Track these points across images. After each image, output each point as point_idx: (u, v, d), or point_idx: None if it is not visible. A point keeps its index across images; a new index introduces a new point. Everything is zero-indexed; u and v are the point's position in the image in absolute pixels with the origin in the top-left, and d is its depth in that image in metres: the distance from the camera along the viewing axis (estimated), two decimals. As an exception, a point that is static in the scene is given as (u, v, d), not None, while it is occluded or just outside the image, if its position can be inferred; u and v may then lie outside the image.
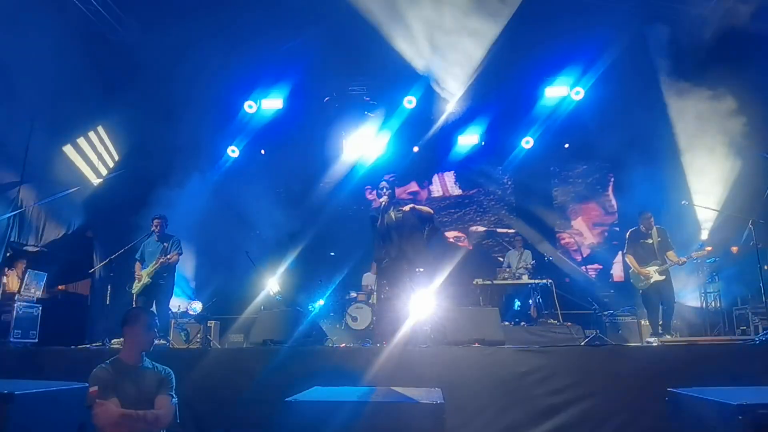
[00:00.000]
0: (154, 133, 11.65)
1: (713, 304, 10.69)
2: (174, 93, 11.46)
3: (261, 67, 12.22)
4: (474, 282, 10.32)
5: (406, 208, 7.67)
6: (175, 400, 4.14)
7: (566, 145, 13.33)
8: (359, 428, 3.29)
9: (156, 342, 4.42)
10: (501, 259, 12.06)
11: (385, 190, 7.63)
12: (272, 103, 13.06)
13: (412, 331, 7.13)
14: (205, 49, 11.09)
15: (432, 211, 7.82)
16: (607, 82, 11.80)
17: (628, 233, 9.06)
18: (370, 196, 13.57)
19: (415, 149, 13.65)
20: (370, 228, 7.84)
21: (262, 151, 14.13)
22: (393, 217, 7.51)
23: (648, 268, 8.61)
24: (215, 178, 13.49)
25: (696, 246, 9.45)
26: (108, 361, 4.10)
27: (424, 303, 7.44)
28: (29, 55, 9.86)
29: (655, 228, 8.82)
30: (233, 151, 13.57)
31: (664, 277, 8.55)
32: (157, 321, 4.34)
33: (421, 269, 7.83)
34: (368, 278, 10.71)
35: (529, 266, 10.75)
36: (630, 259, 8.86)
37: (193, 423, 5.58)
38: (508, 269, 11.03)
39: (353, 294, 10.36)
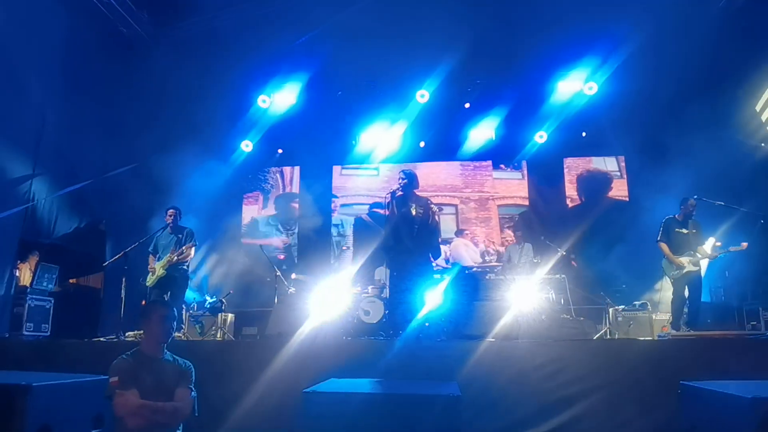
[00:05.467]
0: (166, 126, 11.69)
1: (723, 299, 10.66)
2: (187, 86, 11.50)
3: (275, 61, 12.22)
4: (487, 276, 10.31)
5: (434, 208, 7.69)
6: (194, 393, 4.19)
7: (583, 134, 13.30)
8: (377, 420, 3.32)
9: (174, 335, 4.47)
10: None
11: (401, 180, 7.64)
12: (286, 97, 13.10)
13: (425, 324, 7.16)
14: (218, 42, 11.13)
15: (440, 234, 7.86)
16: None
17: (663, 220, 9.00)
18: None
19: (422, 144, 13.71)
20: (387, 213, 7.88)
21: (279, 150, 14.22)
22: (413, 211, 7.52)
23: (682, 258, 8.59)
24: (229, 172, 13.62)
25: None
26: (129, 352, 4.15)
27: (437, 297, 7.46)
28: (41, 48, 9.92)
29: (691, 220, 8.80)
30: (246, 146, 13.63)
31: (697, 268, 8.53)
32: (175, 313, 4.38)
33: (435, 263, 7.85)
34: (381, 272, 10.71)
35: (534, 261, 10.70)
36: (663, 247, 8.78)
37: (208, 414, 5.63)
38: (508, 263, 11.02)
39: (366, 288, 10.37)
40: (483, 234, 13.70)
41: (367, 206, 14.21)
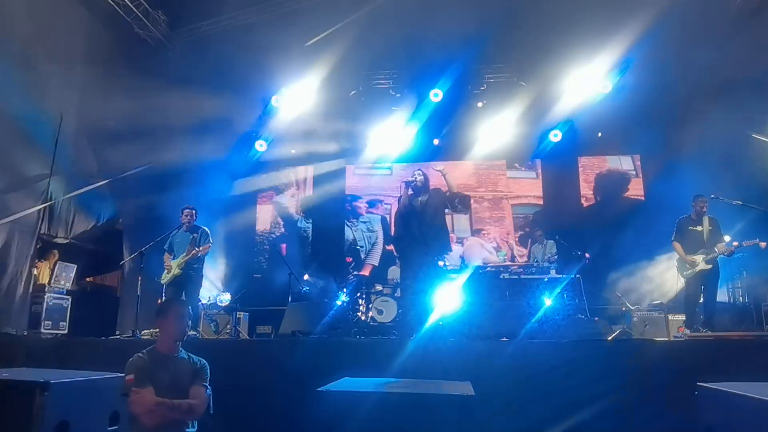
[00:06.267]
0: (182, 125, 11.77)
1: (741, 299, 10.56)
2: (202, 86, 11.55)
3: (289, 61, 12.24)
4: (501, 276, 10.29)
5: (434, 188, 7.70)
6: (209, 390, 4.21)
7: (599, 134, 13.23)
8: (391, 419, 3.32)
9: (188, 333, 4.50)
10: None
11: (418, 177, 7.64)
12: (300, 97, 13.10)
13: (439, 324, 7.15)
14: (232, 43, 11.18)
15: (456, 191, 7.77)
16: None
17: (677, 220, 8.96)
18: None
19: (436, 142, 13.70)
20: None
21: (293, 150, 14.26)
22: (419, 202, 7.52)
23: (695, 256, 8.53)
24: (243, 171, 13.71)
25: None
26: (144, 351, 4.18)
27: (450, 296, 7.45)
28: (58, 48, 10.01)
29: (707, 217, 8.72)
30: (261, 145, 13.69)
31: (711, 266, 8.41)
32: (190, 311, 4.41)
33: (444, 263, 7.81)
34: (394, 272, 10.73)
35: (554, 258, 10.68)
36: (676, 246, 8.74)
37: (222, 412, 5.66)
38: (535, 263, 10.99)
39: (379, 287, 10.38)
40: (497, 233, 13.67)
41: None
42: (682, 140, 11.82)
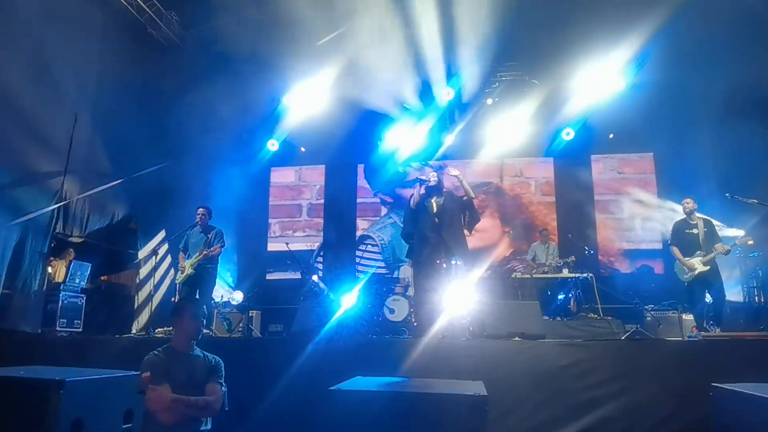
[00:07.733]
0: (194, 125, 11.83)
1: (756, 299, 10.48)
2: (214, 85, 11.60)
3: (301, 60, 12.25)
4: (512, 275, 10.26)
5: (448, 190, 7.67)
6: (224, 388, 4.24)
7: (611, 136, 13.16)
8: (403, 418, 3.32)
9: (202, 331, 4.53)
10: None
11: (432, 176, 7.62)
12: (311, 96, 13.15)
13: (449, 323, 7.14)
14: (244, 42, 11.21)
15: (473, 196, 7.72)
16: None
17: (674, 224, 8.93)
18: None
19: (448, 140, 13.68)
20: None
21: (302, 149, 14.30)
22: (434, 203, 7.50)
23: (692, 260, 8.47)
24: (255, 171, 13.77)
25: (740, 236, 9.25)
26: (160, 348, 4.22)
27: (462, 295, 7.42)
28: (73, 48, 10.09)
29: (701, 218, 8.67)
30: (272, 144, 13.72)
31: (708, 268, 8.35)
32: (204, 310, 4.44)
33: (459, 262, 7.78)
34: (405, 271, 10.71)
35: (559, 261, 10.64)
36: (675, 251, 8.72)
37: (235, 410, 5.69)
38: (533, 262, 10.96)
39: (391, 286, 10.38)
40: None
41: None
42: (697, 138, 11.76)
